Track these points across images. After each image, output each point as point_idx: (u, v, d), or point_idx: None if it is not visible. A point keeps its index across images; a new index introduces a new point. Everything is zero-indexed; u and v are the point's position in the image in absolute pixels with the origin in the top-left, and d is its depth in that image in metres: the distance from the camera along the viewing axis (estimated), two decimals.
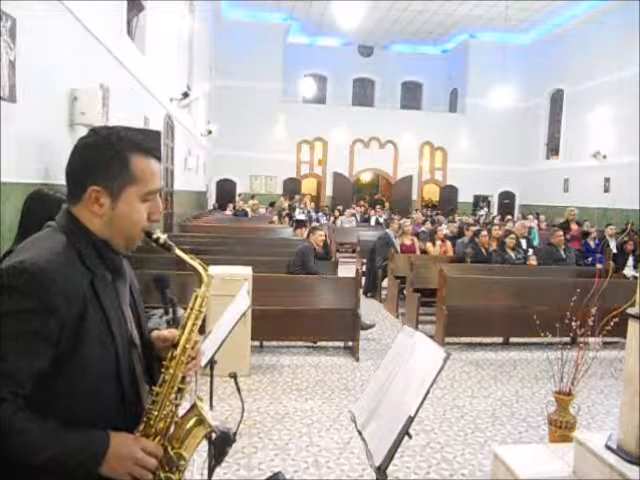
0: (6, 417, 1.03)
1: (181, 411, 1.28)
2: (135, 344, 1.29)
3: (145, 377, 1.31)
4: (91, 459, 1.10)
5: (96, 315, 1.15)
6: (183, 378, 1.25)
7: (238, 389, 1.56)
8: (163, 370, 1.24)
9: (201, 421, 1.27)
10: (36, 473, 1.07)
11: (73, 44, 5.02)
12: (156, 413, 1.21)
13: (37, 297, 1.06)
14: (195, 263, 1.32)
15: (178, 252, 1.31)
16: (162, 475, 1.20)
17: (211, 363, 2.99)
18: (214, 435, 1.31)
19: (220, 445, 1.32)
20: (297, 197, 18.41)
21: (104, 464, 1.10)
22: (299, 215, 14.72)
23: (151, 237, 1.26)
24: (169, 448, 1.23)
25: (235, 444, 1.47)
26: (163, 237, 1.28)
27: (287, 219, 14.18)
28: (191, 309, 1.28)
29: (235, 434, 1.34)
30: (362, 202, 20.52)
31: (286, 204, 18.14)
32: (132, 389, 1.24)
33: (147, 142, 1.26)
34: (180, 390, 1.25)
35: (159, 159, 1.27)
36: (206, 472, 1.37)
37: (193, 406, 1.28)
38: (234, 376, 1.61)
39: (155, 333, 1.39)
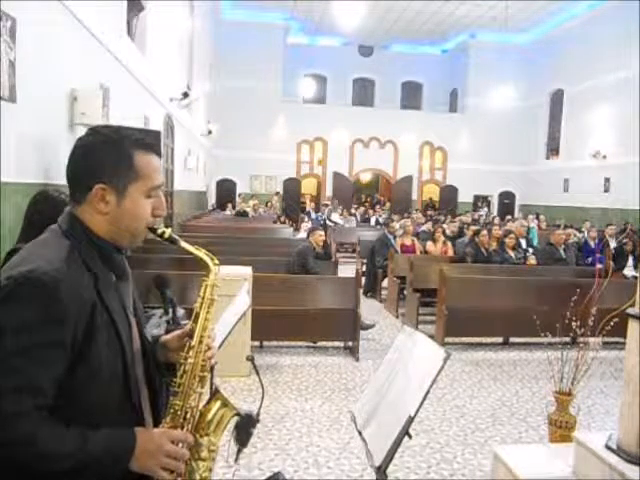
0: (29, 430, 1.03)
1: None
2: (137, 346, 1.30)
3: (144, 379, 1.31)
4: (120, 458, 1.10)
5: (103, 318, 1.16)
6: (202, 367, 1.27)
7: (257, 372, 1.59)
8: (182, 361, 1.26)
9: (225, 405, 1.30)
10: (63, 477, 1.07)
11: (73, 44, 5.02)
12: (181, 403, 1.24)
13: (50, 307, 1.06)
14: (201, 253, 1.33)
15: (184, 244, 1.32)
16: (194, 463, 1.23)
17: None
18: (237, 418, 1.34)
19: (245, 427, 1.34)
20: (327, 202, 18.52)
21: (134, 461, 1.11)
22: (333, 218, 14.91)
23: (156, 232, 1.28)
24: (197, 436, 1.25)
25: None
26: (168, 231, 1.29)
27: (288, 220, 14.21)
28: (202, 298, 1.29)
29: (258, 415, 1.36)
30: (366, 202, 20.52)
31: (278, 204, 18.14)
32: (136, 390, 1.25)
33: (147, 138, 1.27)
34: (201, 379, 1.27)
35: (160, 155, 1.29)
36: (232, 458, 1.40)
37: (215, 392, 1.31)
38: (251, 359, 1.64)
39: (165, 337, 1.40)
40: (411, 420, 1.60)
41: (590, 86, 17.14)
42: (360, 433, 1.84)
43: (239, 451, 1.36)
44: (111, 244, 1.23)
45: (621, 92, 15.39)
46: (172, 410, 1.24)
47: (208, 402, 1.30)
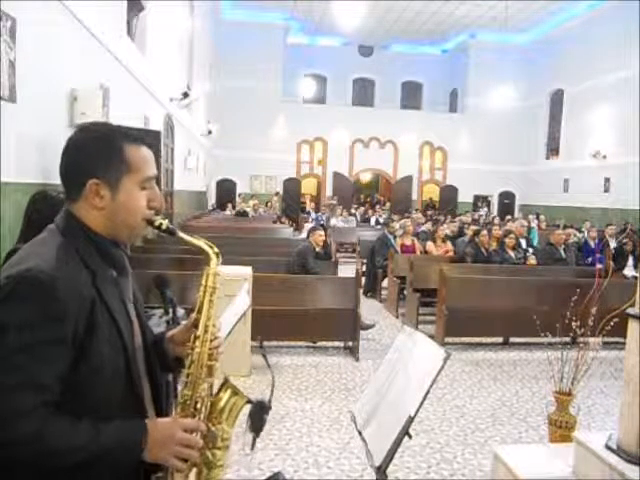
0: (35, 427, 1.03)
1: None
2: (139, 340, 1.30)
3: (145, 373, 1.32)
4: (132, 449, 1.10)
5: (103, 315, 1.16)
6: (210, 355, 1.27)
7: (266, 360, 1.59)
8: (189, 352, 1.26)
9: (235, 393, 1.30)
10: (74, 472, 1.07)
11: (73, 44, 5.02)
12: (190, 393, 1.24)
13: (48, 305, 1.07)
14: (201, 242, 1.33)
15: (182, 235, 1.32)
16: (208, 452, 1.22)
17: None
18: (250, 407, 1.34)
19: (258, 414, 1.34)
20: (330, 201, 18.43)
21: (147, 451, 1.11)
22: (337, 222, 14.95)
23: (153, 224, 1.27)
24: (210, 425, 1.25)
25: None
26: (165, 222, 1.28)
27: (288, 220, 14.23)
28: (204, 287, 1.29)
29: (270, 402, 1.36)
30: (366, 202, 20.51)
31: (277, 204, 18.11)
32: (139, 385, 1.25)
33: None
34: (209, 368, 1.27)
35: (149, 147, 1.28)
36: (248, 447, 1.39)
37: (225, 381, 1.31)
38: (262, 352, 1.65)
39: (172, 331, 1.40)
40: (411, 420, 1.60)
41: (590, 86, 17.14)
42: (360, 433, 1.84)
43: (254, 439, 1.36)
44: (108, 239, 1.23)
45: (621, 92, 15.39)
46: (182, 400, 1.24)
47: (218, 391, 1.30)
